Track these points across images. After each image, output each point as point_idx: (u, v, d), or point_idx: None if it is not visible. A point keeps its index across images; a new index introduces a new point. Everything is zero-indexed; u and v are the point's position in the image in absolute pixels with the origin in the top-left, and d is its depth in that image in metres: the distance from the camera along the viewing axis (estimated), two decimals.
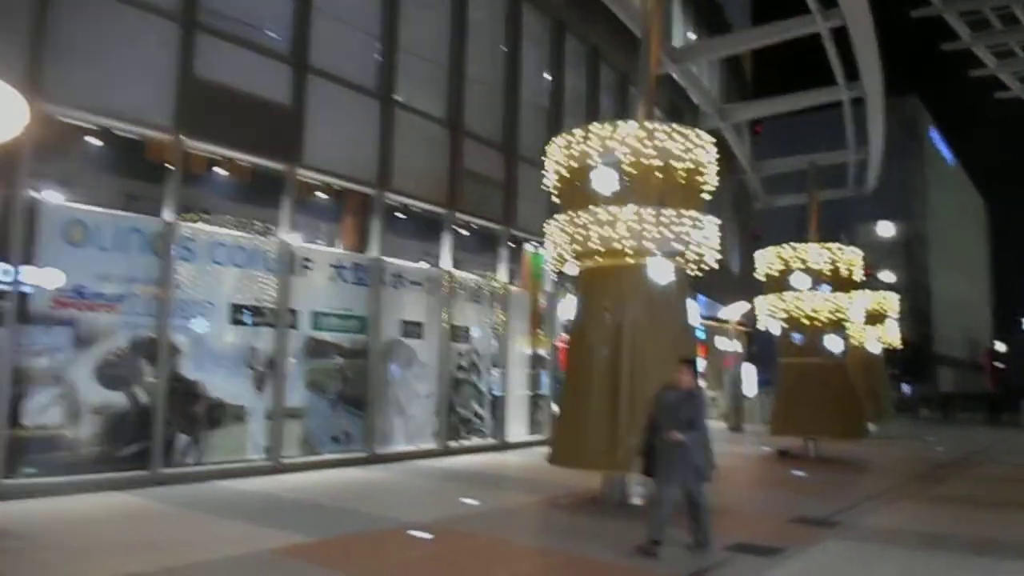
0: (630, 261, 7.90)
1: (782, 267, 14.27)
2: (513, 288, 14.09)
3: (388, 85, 11.57)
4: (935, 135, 73.40)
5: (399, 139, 11.64)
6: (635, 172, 7.87)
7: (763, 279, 14.87)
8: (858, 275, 14.18)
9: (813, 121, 34.99)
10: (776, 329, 14.58)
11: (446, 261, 12.52)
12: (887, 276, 58.32)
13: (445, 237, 12.56)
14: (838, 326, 13.91)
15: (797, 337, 14.11)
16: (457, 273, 12.90)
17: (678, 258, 8.03)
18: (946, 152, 77.29)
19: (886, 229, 63.36)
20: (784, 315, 14.12)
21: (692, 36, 23.22)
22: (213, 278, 9.37)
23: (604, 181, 7.96)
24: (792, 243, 14.33)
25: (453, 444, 12.51)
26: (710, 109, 23.08)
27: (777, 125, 44.77)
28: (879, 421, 20.19)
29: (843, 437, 13.93)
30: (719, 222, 8.40)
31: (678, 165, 7.94)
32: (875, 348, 20.13)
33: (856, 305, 13.96)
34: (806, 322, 13.81)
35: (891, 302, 20.42)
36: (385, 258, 11.52)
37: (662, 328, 7.90)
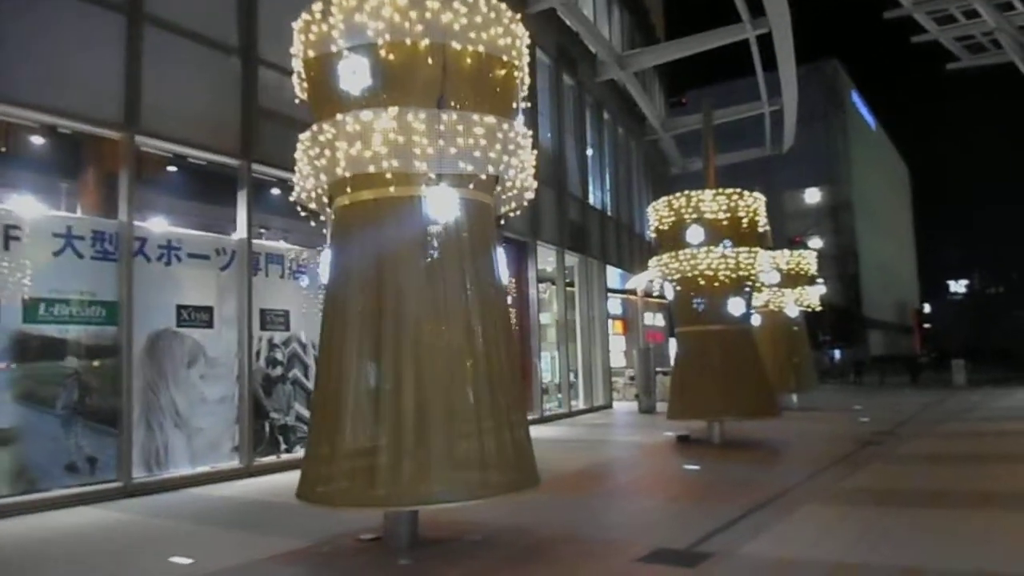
0: (393, 191, 5.33)
1: (674, 219, 11.97)
2: None
3: None
4: (857, 99, 73.27)
5: (157, 67, 8.80)
6: (395, 59, 5.30)
7: (654, 235, 12.59)
8: (761, 224, 11.97)
9: (738, 91, 32.68)
10: (670, 293, 12.31)
11: (243, 227, 9.77)
12: (815, 242, 57.90)
13: (240, 197, 9.80)
14: (741, 286, 11.70)
15: (698, 302, 11.86)
16: (262, 243, 10.20)
17: (472, 186, 5.50)
18: (868, 117, 77.40)
19: (812, 196, 63.06)
20: (678, 276, 11.84)
21: None
22: None
23: (352, 74, 5.38)
24: (687, 191, 12.04)
25: (267, 460, 9.84)
26: (608, 57, 20.74)
27: (701, 97, 42.88)
28: (801, 391, 18.30)
29: (752, 416, 11.76)
30: (530, 133, 5.90)
31: (463, 48, 5.39)
32: (793, 312, 18.17)
33: (760, 260, 11.75)
34: (702, 283, 11.55)
35: (809, 261, 18.47)
36: (142, 224, 8.74)
37: (448, 291, 5.37)
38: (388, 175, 5.27)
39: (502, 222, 6.58)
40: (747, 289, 11.86)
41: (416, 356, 5.17)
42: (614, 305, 24.03)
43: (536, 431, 14.47)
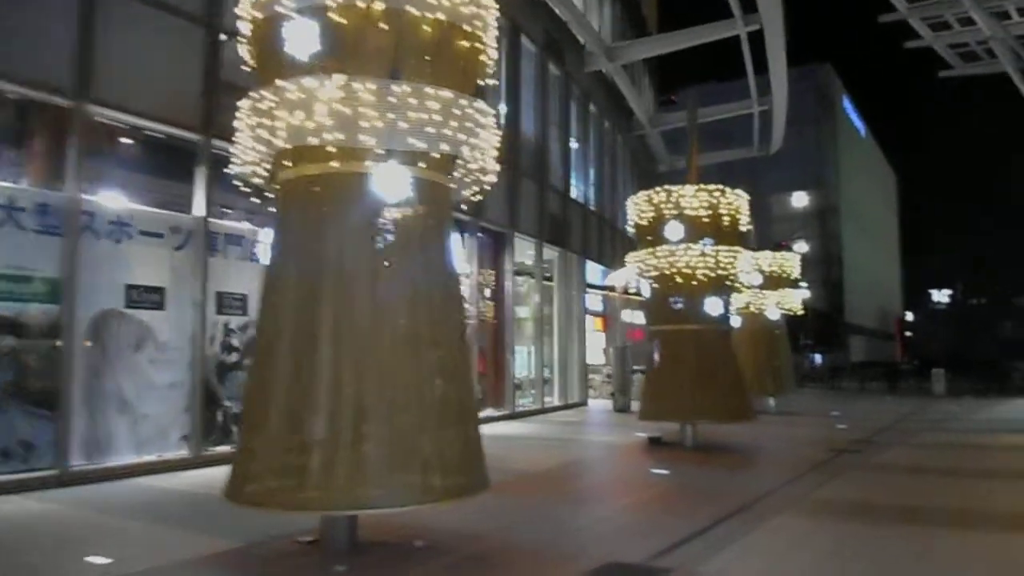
0: (336, 167, 4.92)
1: (653, 215, 11.61)
2: None
3: None
4: (848, 105, 73.28)
5: (113, 33, 8.31)
6: (346, 22, 4.88)
7: (633, 230, 12.25)
8: (744, 223, 11.63)
9: (729, 92, 32.21)
10: (646, 291, 11.97)
11: (200, 206, 9.30)
12: (801, 247, 57.85)
13: (199, 173, 9.33)
14: (720, 286, 11.37)
15: (675, 301, 11.52)
16: (221, 223, 9.75)
17: (424, 165, 5.09)
18: (858, 123, 77.47)
19: (800, 200, 62.99)
20: (655, 273, 11.49)
21: None
22: None
23: (299, 38, 4.95)
24: (668, 186, 11.69)
25: (219, 450, 9.39)
26: (596, 48, 20.34)
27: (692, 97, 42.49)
28: (779, 395, 18.05)
29: (726, 420, 11.45)
30: (494, 113, 5.50)
31: (421, 14, 4.97)
32: (774, 315, 17.89)
33: (741, 260, 11.42)
34: (680, 281, 11.21)
35: (792, 263, 18.18)
36: (90, 197, 8.26)
37: (394, 276, 4.96)
38: (331, 149, 4.85)
39: (462, 206, 6.18)
40: (726, 289, 11.54)
41: (356, 347, 4.77)
42: (595, 301, 23.69)
43: (506, 427, 14.15)
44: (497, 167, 5.65)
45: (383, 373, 4.79)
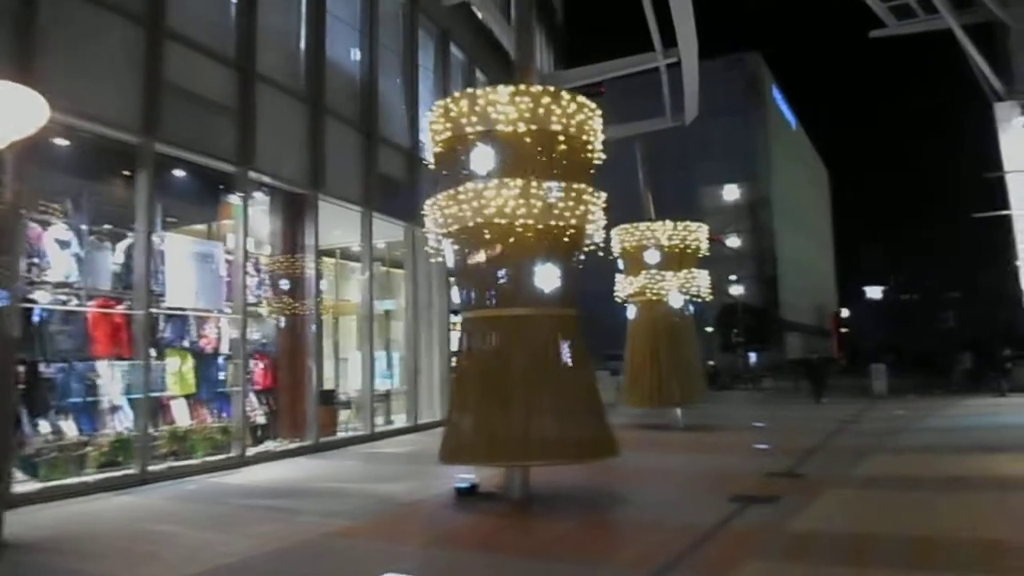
0: None
1: (452, 134, 7.40)
2: None
3: None
4: (778, 96, 71.04)
5: None
6: None
7: (432, 165, 8.04)
8: (596, 148, 7.50)
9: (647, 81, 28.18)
10: (450, 258, 7.74)
11: None
12: (734, 241, 54.93)
13: None
14: (558, 245, 7.23)
15: (489, 271, 7.34)
16: None
17: None
18: (789, 115, 75.44)
19: (731, 192, 60.29)
20: (456, 227, 7.28)
21: None
22: None
23: None
24: (473, 90, 7.49)
25: None
26: None
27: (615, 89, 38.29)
28: (688, 404, 14.07)
29: (570, 458, 7.27)
30: None
31: None
32: (678, 301, 13.89)
33: (593, 205, 7.32)
34: (489, 236, 7.04)
35: (698, 236, 14.16)
36: None
37: None
38: None
39: None
40: (570, 251, 7.40)
41: None
42: None
43: (276, 469, 8.71)
44: None
45: None
